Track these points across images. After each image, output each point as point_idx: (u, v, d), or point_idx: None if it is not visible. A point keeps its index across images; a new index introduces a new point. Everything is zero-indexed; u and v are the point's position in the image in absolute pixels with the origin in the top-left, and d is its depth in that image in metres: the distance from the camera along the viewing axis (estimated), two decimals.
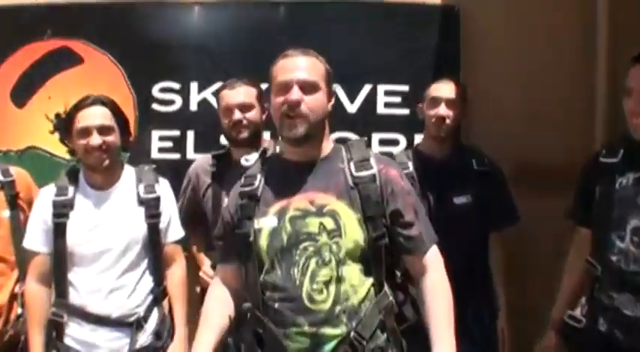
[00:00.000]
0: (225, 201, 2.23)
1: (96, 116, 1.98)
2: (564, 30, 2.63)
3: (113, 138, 1.99)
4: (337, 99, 2.64)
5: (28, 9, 2.81)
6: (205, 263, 2.30)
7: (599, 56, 2.59)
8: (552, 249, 2.15)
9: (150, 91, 2.74)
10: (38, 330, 1.95)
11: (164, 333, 2.04)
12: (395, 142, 2.66)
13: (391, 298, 1.56)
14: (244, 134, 2.22)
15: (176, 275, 2.12)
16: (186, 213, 2.33)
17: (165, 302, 2.12)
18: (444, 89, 2.26)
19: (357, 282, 1.52)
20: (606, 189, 1.77)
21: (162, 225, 2.07)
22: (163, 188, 2.10)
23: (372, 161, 1.57)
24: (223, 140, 2.52)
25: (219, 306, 1.66)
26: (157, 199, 2.05)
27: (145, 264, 2.04)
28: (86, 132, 1.95)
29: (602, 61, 2.59)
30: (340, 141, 2.51)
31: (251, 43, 2.70)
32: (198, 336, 1.64)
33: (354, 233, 1.51)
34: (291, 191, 1.56)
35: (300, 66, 1.54)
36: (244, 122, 2.21)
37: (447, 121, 2.22)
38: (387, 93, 2.67)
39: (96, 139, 1.95)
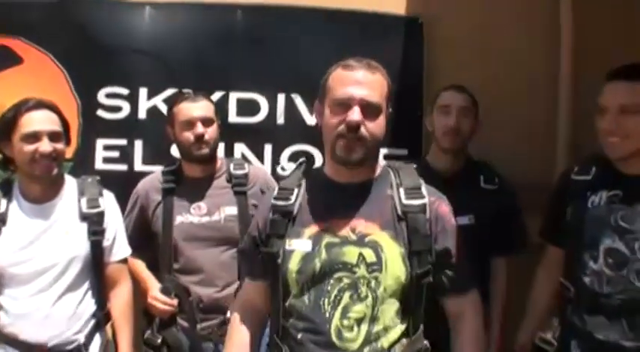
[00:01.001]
0: (178, 218, 2.11)
1: (46, 121, 1.82)
2: (527, 43, 2.61)
3: (62, 146, 1.86)
4: (298, 111, 2.57)
5: None
6: (154, 286, 2.13)
7: (562, 74, 2.58)
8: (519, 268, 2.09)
9: (95, 97, 2.56)
10: None
11: None
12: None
13: (425, 342, 1.47)
14: (205, 151, 2.12)
15: (121, 297, 1.99)
16: (133, 233, 2.18)
17: (108, 327, 1.97)
18: (456, 98, 2.12)
19: (391, 324, 1.41)
20: (578, 208, 1.73)
21: (106, 243, 1.94)
22: (108, 202, 1.97)
23: (424, 190, 1.47)
24: (174, 151, 2.39)
25: (241, 336, 1.56)
26: (101, 214, 1.92)
27: (86, 285, 1.90)
28: (35, 137, 1.79)
29: (564, 80, 2.57)
30: (300, 154, 2.49)
31: (206, 48, 2.59)
32: None
33: (395, 268, 1.40)
34: (332, 214, 1.45)
35: (363, 82, 1.40)
36: (206, 137, 2.11)
37: (462, 131, 2.09)
38: None
39: (47, 146, 1.79)
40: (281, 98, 2.57)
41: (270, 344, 1.50)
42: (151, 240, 2.18)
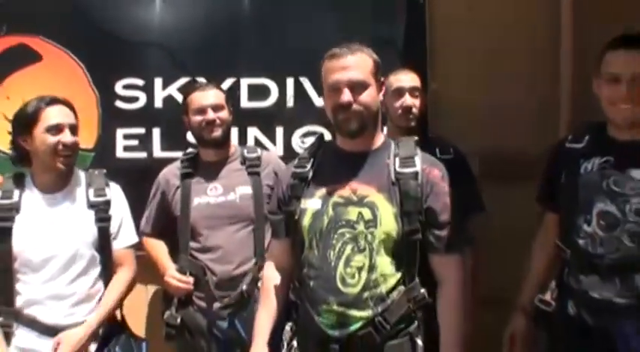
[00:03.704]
0: (195, 200, 2.24)
1: (65, 114, 1.97)
2: (528, 19, 2.66)
3: (78, 139, 2.00)
4: (305, 92, 2.66)
5: None
6: (170, 266, 2.27)
7: (564, 47, 2.62)
8: (520, 237, 2.15)
9: (113, 88, 2.70)
10: None
11: (112, 339, 2.03)
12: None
13: (422, 291, 1.66)
14: (217, 133, 2.26)
15: (116, 277, 2.07)
16: (155, 219, 2.35)
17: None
18: (406, 79, 2.28)
19: (388, 272, 1.63)
20: (572, 174, 1.81)
21: (112, 230, 2.06)
22: (114, 192, 2.09)
23: (417, 159, 1.68)
24: (190, 137, 2.50)
25: (272, 284, 1.81)
26: (107, 203, 2.05)
27: (96, 270, 2.03)
28: (58, 129, 1.93)
29: (567, 52, 2.62)
30: (310, 135, 2.60)
31: (214, 37, 2.69)
32: (258, 317, 1.81)
33: (388, 225, 1.62)
34: (338, 179, 1.69)
35: (348, 65, 1.63)
36: (217, 121, 2.25)
37: (414, 110, 2.25)
38: None
39: (69, 137, 1.95)
40: (290, 82, 2.67)
41: (293, 292, 1.74)
42: (173, 224, 2.31)
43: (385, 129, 2.44)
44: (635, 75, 1.68)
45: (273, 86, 2.69)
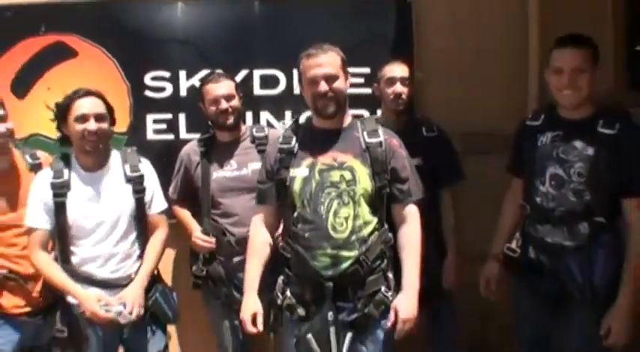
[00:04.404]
0: (214, 174, 2.63)
1: (93, 105, 2.27)
2: (502, 17, 3.06)
3: (106, 125, 2.30)
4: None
5: (24, 7, 3.01)
6: (196, 229, 2.67)
7: (532, 43, 3.01)
8: (496, 201, 2.51)
9: (142, 80, 3.01)
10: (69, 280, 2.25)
11: (151, 291, 2.38)
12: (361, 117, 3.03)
13: (390, 234, 2.08)
14: (230, 120, 2.63)
15: (154, 237, 2.41)
16: (181, 188, 2.73)
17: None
18: (398, 70, 2.66)
19: (368, 219, 2.03)
20: (531, 146, 2.22)
21: (146, 199, 2.38)
22: (146, 167, 2.42)
23: (380, 131, 2.10)
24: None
25: (261, 241, 2.17)
26: (141, 177, 2.37)
27: (134, 233, 2.37)
28: (84, 118, 2.24)
29: (533, 44, 3.01)
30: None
31: (229, 35, 3.02)
32: (248, 266, 2.16)
33: (365, 182, 2.02)
34: (320, 150, 2.07)
35: (322, 62, 2.03)
36: (230, 109, 2.61)
37: (403, 96, 2.64)
38: (352, 75, 3.01)
39: (92, 125, 2.24)
40: (296, 72, 2.89)
41: (284, 247, 2.10)
42: (194, 193, 2.69)
43: (379, 111, 2.86)
44: (575, 68, 2.08)
45: (281, 76, 3.04)
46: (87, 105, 2.27)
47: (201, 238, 2.63)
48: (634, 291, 2.01)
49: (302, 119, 2.41)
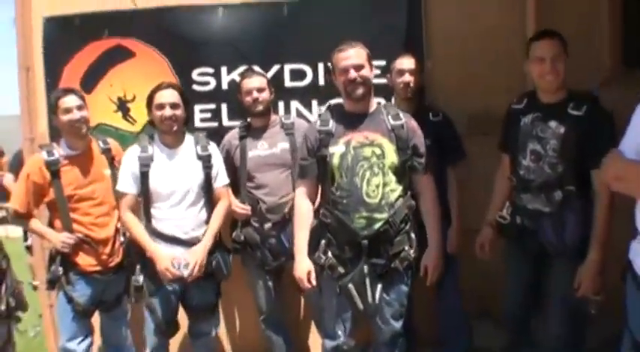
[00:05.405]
0: (250, 153, 3.07)
1: (168, 96, 2.76)
2: (502, 10, 3.32)
3: (180, 112, 2.77)
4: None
5: (89, 15, 3.44)
6: (234, 201, 3.08)
7: (528, 26, 3.27)
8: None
9: (190, 76, 3.41)
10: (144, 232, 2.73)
11: (215, 251, 2.85)
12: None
13: (412, 201, 2.46)
14: (260, 108, 3.06)
15: (218, 205, 2.86)
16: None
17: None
18: (407, 62, 3.02)
19: (395, 187, 2.39)
20: (515, 126, 2.56)
21: (213, 174, 2.84)
22: (213, 148, 2.89)
23: (401, 115, 2.46)
24: None
25: (306, 210, 2.50)
26: (210, 156, 2.84)
27: (202, 201, 2.82)
28: (161, 106, 2.74)
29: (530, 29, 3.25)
30: (337, 105, 3.30)
31: (263, 34, 3.40)
32: (296, 232, 2.49)
33: (391, 156, 2.38)
34: (353, 130, 2.42)
35: (351, 55, 2.40)
36: (260, 99, 3.04)
37: (411, 85, 2.99)
38: None
39: (168, 112, 2.73)
40: (320, 66, 3.38)
41: (323, 213, 2.46)
42: (234, 172, 3.11)
43: (393, 99, 3.24)
44: (555, 55, 2.41)
45: (308, 70, 3.39)
46: (164, 96, 2.75)
47: (239, 206, 3.07)
48: (601, 248, 2.33)
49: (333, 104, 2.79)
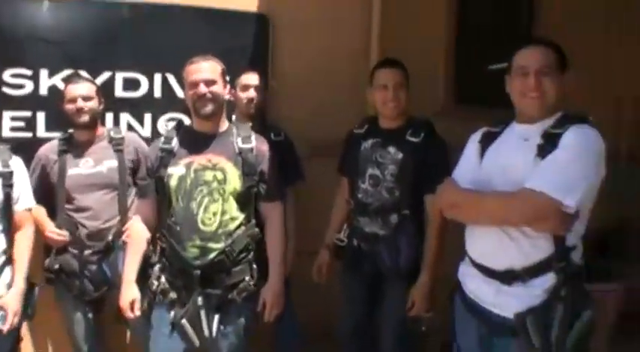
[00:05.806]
0: (70, 171, 2.76)
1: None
2: (347, 37, 3.45)
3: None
4: (169, 85, 3.20)
5: None
6: (49, 225, 2.73)
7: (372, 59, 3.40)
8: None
9: (0, 76, 2.99)
10: None
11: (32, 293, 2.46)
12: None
13: (257, 229, 2.32)
14: (85, 119, 2.75)
15: (22, 236, 2.46)
16: (36, 186, 2.72)
17: None
18: (252, 78, 2.96)
19: (236, 215, 2.26)
20: (356, 150, 2.61)
21: (14, 195, 2.43)
22: (16, 164, 2.47)
23: (252, 138, 2.33)
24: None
25: (140, 234, 2.34)
26: (11, 173, 2.41)
27: (0, 227, 2.39)
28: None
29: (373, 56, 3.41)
30: (173, 120, 3.15)
31: (94, 36, 3.10)
32: (127, 259, 2.33)
33: (234, 182, 2.25)
34: (197, 151, 2.27)
35: (203, 69, 2.26)
36: (85, 109, 2.74)
37: (255, 101, 2.93)
38: None
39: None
40: (158, 77, 3.17)
41: (160, 237, 2.30)
42: (49, 191, 2.74)
43: (234, 116, 3.13)
44: (396, 84, 2.51)
45: (143, 79, 3.16)
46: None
47: (55, 232, 2.71)
48: (431, 270, 2.44)
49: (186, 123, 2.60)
